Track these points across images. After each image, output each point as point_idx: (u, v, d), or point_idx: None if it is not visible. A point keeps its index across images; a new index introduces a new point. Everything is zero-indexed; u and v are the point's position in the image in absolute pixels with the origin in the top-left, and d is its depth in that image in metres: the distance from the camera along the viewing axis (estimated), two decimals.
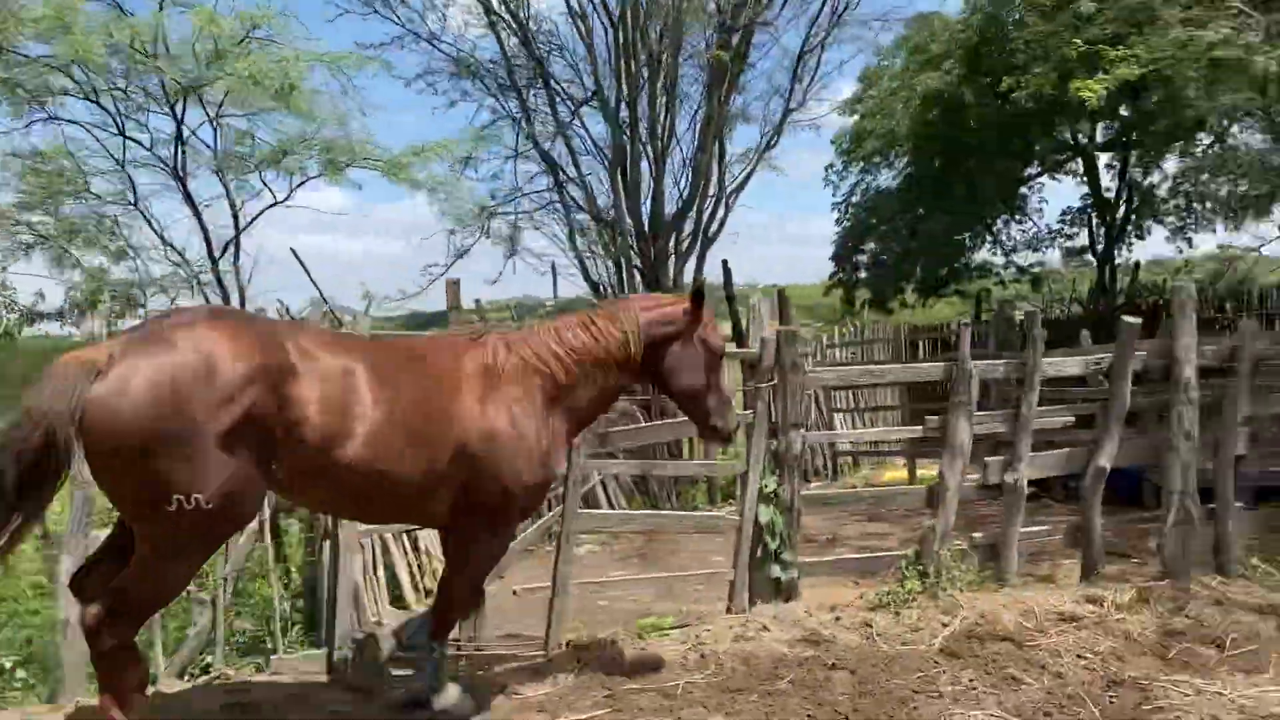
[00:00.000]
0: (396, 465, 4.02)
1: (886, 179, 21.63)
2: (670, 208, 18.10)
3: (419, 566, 7.14)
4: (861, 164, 21.57)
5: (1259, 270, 18.71)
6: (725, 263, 12.21)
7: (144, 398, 3.45)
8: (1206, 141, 17.95)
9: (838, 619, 5.73)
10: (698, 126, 18.27)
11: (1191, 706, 4.49)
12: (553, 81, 18.67)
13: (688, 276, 17.26)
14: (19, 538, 3.58)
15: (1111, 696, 4.69)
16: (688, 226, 17.67)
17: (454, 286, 10.59)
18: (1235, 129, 16.48)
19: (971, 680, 4.90)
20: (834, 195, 23.28)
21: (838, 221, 22.98)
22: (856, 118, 20.95)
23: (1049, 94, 11.84)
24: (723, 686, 4.90)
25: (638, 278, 16.58)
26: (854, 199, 22.69)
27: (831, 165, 23.12)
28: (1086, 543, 6.24)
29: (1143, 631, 5.46)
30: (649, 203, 17.30)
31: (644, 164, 17.79)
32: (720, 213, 18.58)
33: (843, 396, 14.02)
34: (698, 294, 4.75)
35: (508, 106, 19.28)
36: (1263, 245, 18.71)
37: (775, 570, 5.86)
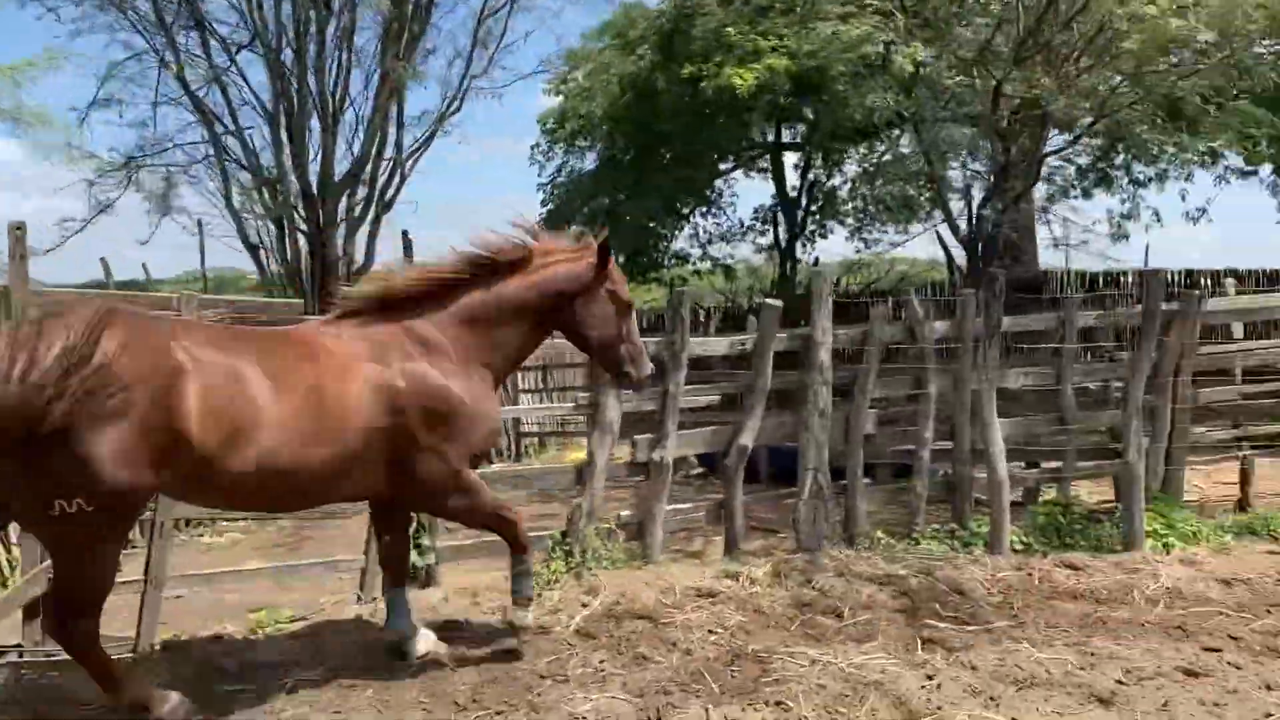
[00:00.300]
0: (298, 461, 3.95)
1: (590, 162, 21.81)
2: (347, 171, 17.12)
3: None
4: (565, 145, 21.61)
5: (914, 268, 20.50)
6: (406, 234, 11.72)
7: (20, 400, 3.32)
8: (882, 148, 19.44)
9: (476, 604, 5.49)
10: (375, 84, 17.41)
11: (804, 676, 4.58)
12: (207, 21, 17.08)
13: (360, 244, 16.47)
14: None
15: (733, 670, 4.72)
16: (362, 192, 16.82)
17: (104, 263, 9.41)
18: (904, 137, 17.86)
19: (602, 662, 4.79)
20: (540, 176, 23.27)
21: (543, 203, 22.97)
22: (561, 98, 20.95)
23: (730, 85, 12.23)
24: (338, 682, 4.51)
25: (302, 242, 15.60)
26: (559, 180, 22.75)
27: (537, 145, 23.08)
28: (729, 519, 6.36)
29: (774, 605, 5.60)
30: (318, 163, 16.31)
31: (315, 121, 16.74)
32: (397, 179, 17.87)
33: (531, 377, 13.90)
34: (604, 247, 4.73)
35: (154, 43, 17.36)
36: (900, 244, 20.52)
37: (411, 556, 5.50)
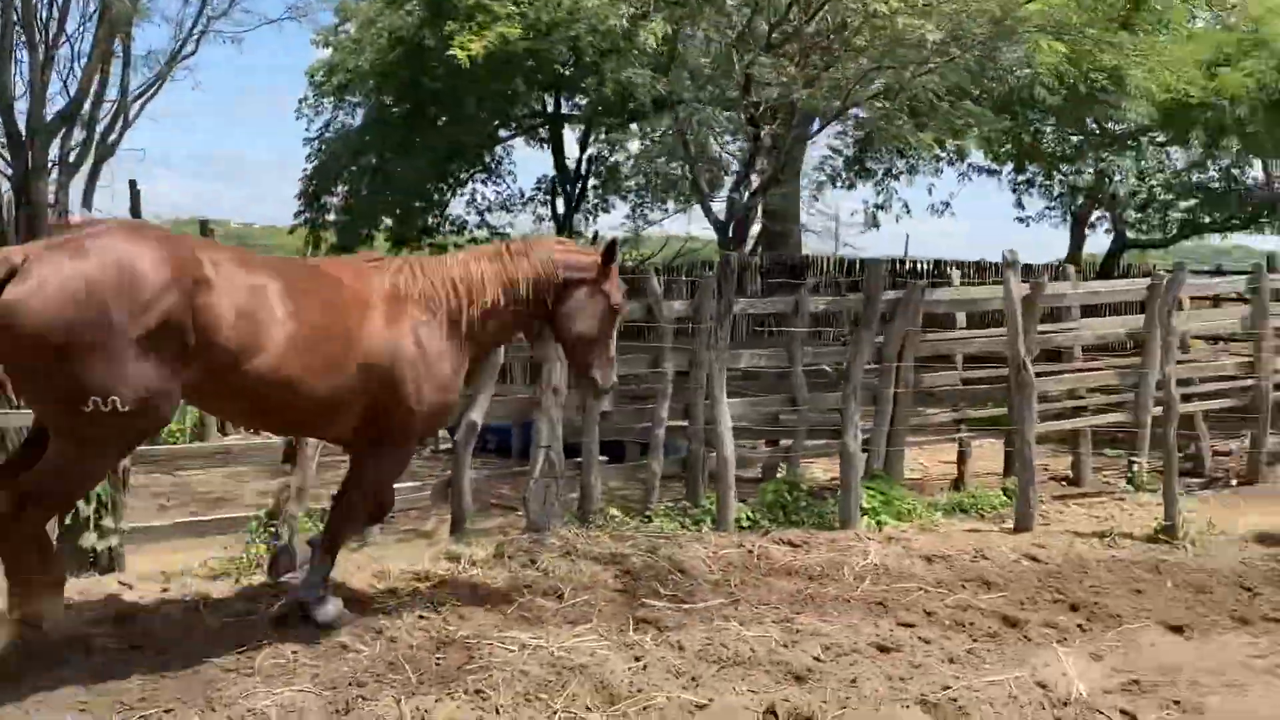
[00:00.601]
0: (304, 381, 4.14)
1: (360, 118, 20.83)
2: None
3: None
4: (334, 100, 20.55)
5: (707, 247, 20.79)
6: (133, 183, 10.77)
7: (64, 299, 3.54)
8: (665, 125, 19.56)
9: (165, 590, 5.04)
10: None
11: (510, 662, 4.45)
12: None
13: (76, 192, 15.01)
14: None
15: (439, 658, 4.53)
16: (81, 135, 15.36)
17: None
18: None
19: (295, 653, 4.46)
20: (308, 130, 22.05)
21: (309, 158, 21.80)
22: (331, 50, 19.87)
23: (503, 50, 11.90)
24: None
25: (5, 187, 14.08)
26: (327, 135, 21.62)
27: (305, 98, 21.84)
28: (456, 498, 6.16)
29: (493, 587, 5.44)
30: (26, 101, 14.70)
31: (23, 54, 15.04)
32: (120, 123, 16.41)
33: None
34: (610, 247, 4.88)
35: None
36: (660, 222, 20.87)
37: (91, 539, 5.00)
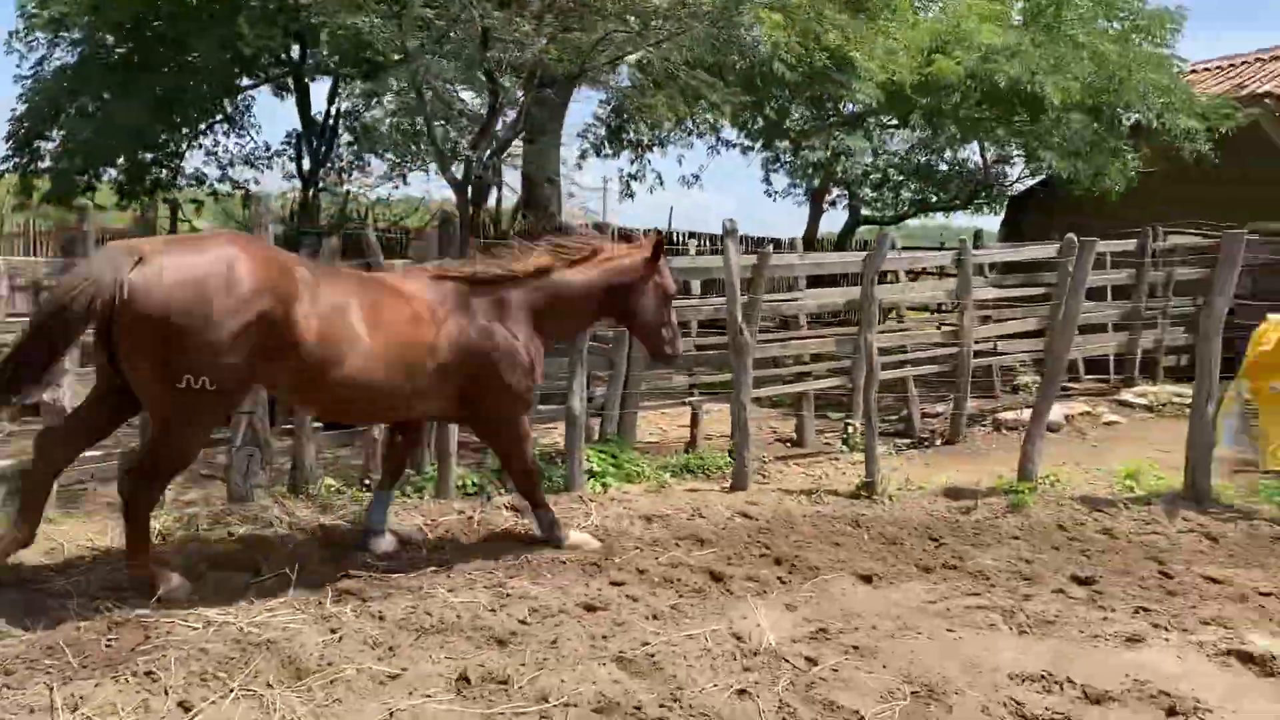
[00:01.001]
0: (380, 382, 4.84)
1: (76, 55, 18.93)
2: None
3: None
4: (49, 34, 18.56)
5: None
6: None
7: (177, 288, 4.21)
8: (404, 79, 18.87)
9: None
10: None
11: (190, 641, 4.16)
12: None
13: None
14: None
15: (109, 640, 4.16)
16: None
17: None
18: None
19: None
20: (20, 67, 19.82)
21: (21, 98, 19.62)
22: None
23: None
24: None
25: None
26: (42, 74, 19.53)
27: (17, 32, 19.61)
28: None
29: (184, 562, 5.07)
30: None
31: None
32: None
33: None
34: (657, 244, 5.68)
35: None
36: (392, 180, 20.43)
37: None
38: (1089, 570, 5.79)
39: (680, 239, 20.52)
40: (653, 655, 4.25)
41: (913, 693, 3.99)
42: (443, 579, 5.18)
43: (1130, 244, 12.59)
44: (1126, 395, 12.04)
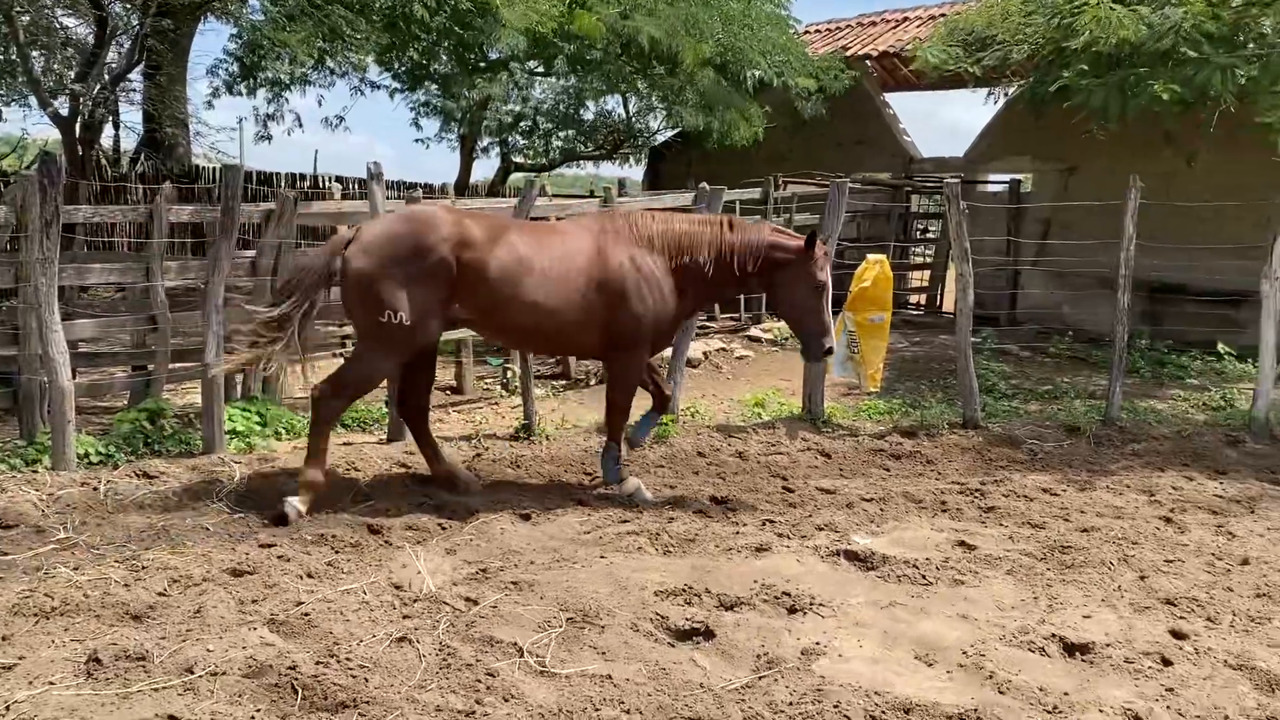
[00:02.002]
0: (552, 310, 5.74)
1: None
2: None
3: None
4: None
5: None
6: None
7: (372, 248, 5.49)
8: None
9: None
10: None
11: None
12: None
13: None
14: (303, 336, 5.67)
15: None
16: None
17: None
18: None
19: None
20: None
21: None
22: None
23: None
24: None
25: None
26: None
27: None
28: None
29: None
30: None
31: None
32: None
33: None
34: (811, 237, 6.01)
35: None
36: None
37: None
38: (724, 490, 6.32)
39: (324, 182, 19.58)
40: (307, 614, 4.13)
41: (568, 619, 4.18)
42: (66, 557, 4.72)
43: (756, 192, 13.64)
44: (755, 331, 13.16)
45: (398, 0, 11.34)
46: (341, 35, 10.98)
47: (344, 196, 11.27)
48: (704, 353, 11.42)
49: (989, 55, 11.81)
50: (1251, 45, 9.67)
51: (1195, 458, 7.42)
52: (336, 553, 4.98)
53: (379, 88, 17.74)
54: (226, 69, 15.73)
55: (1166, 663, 3.99)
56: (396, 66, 16.19)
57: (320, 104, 48.56)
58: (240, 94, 16.01)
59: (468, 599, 4.41)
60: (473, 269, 5.56)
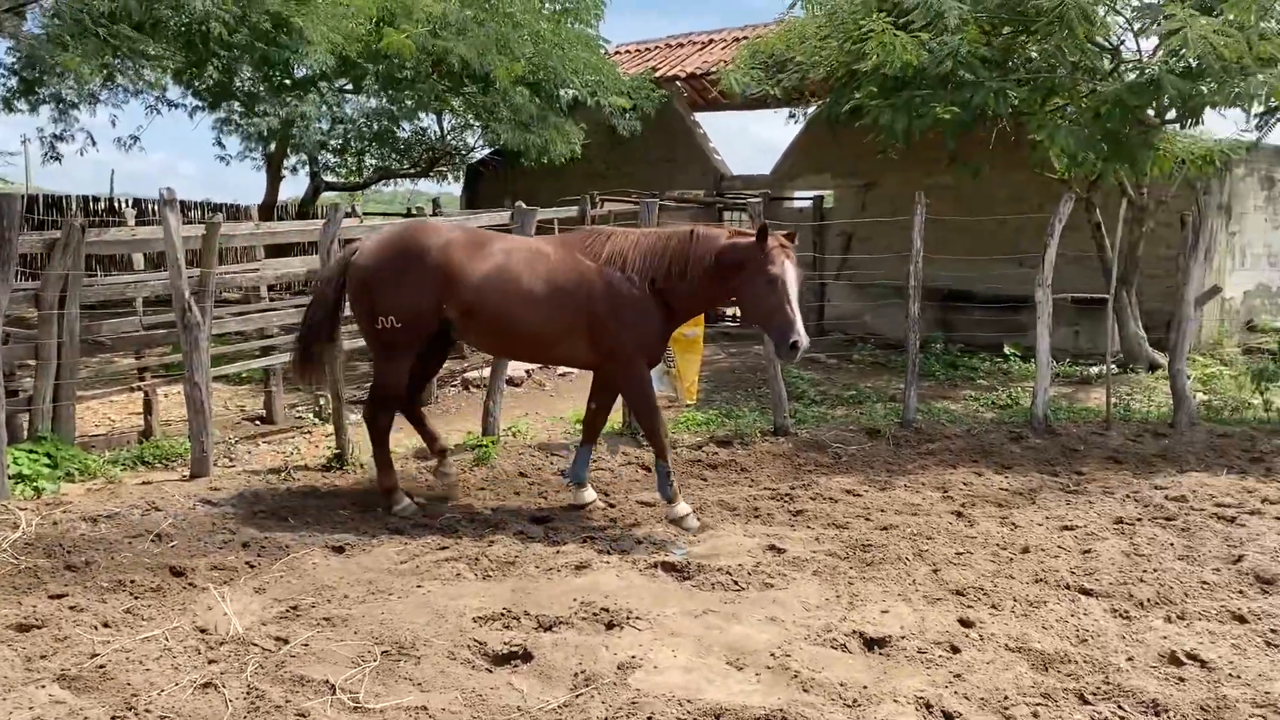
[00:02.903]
0: (526, 318, 6.07)
1: None
2: None
3: None
4: None
5: None
6: None
7: (368, 260, 6.19)
8: None
9: None
10: None
11: None
12: None
13: None
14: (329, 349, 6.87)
15: None
16: None
17: None
18: None
19: None
20: None
21: None
22: None
23: None
24: None
25: None
26: None
27: None
28: None
29: None
30: None
31: None
32: None
33: None
34: (763, 230, 5.80)
35: None
36: None
37: None
38: (545, 510, 6.37)
39: (121, 204, 18.56)
40: (103, 666, 3.93)
41: (383, 652, 4.12)
42: None
43: (573, 210, 13.79)
44: None
45: (194, 18, 10.89)
46: (133, 53, 10.44)
47: (140, 220, 10.68)
48: (527, 370, 11.44)
49: (788, 77, 12.35)
50: (1022, 70, 10.49)
51: (984, 454, 7.97)
52: (136, 599, 4.75)
53: (177, 106, 16.93)
54: (4, 84, 14.68)
55: (955, 650, 4.28)
56: (197, 84, 15.52)
57: (114, 124, 45.72)
58: (21, 111, 14.99)
59: (278, 638, 4.28)
60: (459, 275, 6.02)
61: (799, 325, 5.72)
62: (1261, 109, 9.87)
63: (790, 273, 5.75)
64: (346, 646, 4.18)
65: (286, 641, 4.25)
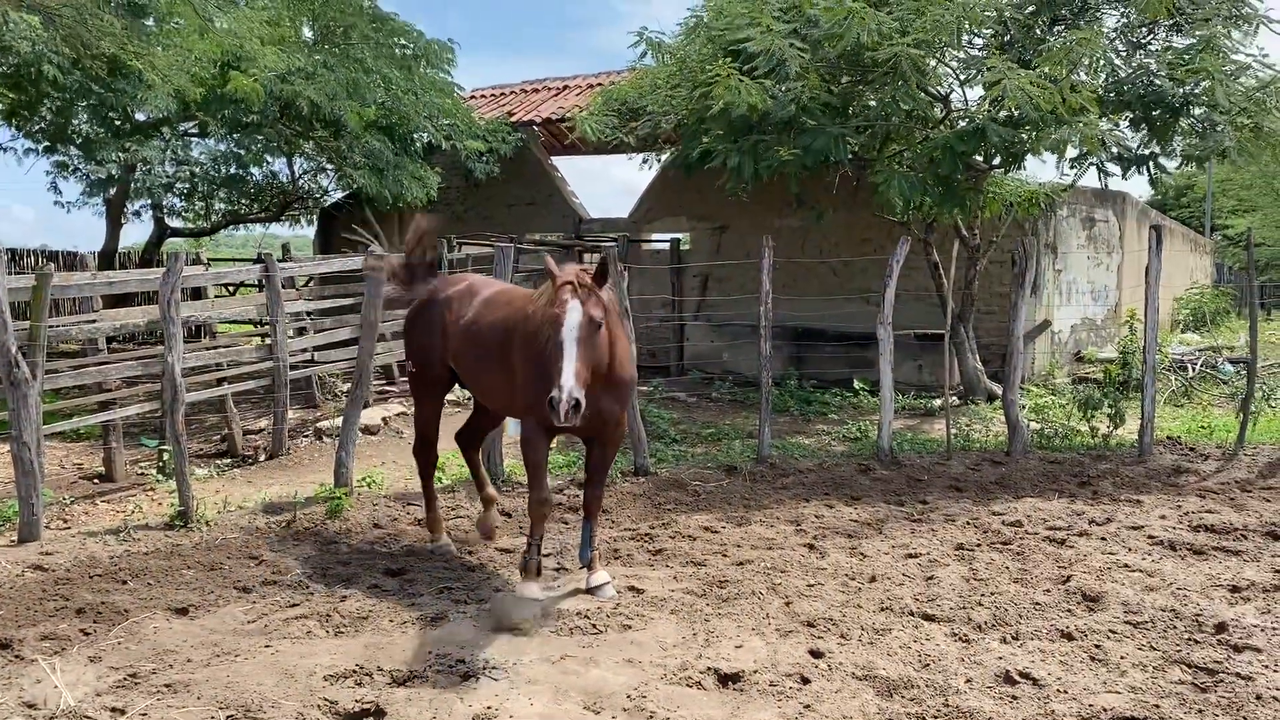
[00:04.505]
0: (486, 367, 6.08)
1: None
2: None
3: None
4: None
5: None
6: None
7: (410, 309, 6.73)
8: None
9: None
10: None
11: None
12: None
13: None
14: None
15: None
16: None
17: None
18: None
19: None
20: None
21: None
22: None
23: None
24: None
25: None
26: None
27: None
28: None
29: None
30: None
31: None
32: None
33: None
34: (602, 265, 5.33)
35: None
36: None
37: None
38: (400, 562, 6.26)
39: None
40: None
41: (228, 717, 3.98)
42: None
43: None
44: None
45: (22, 59, 10.41)
46: None
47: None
48: (384, 418, 11.23)
49: (641, 125, 12.62)
50: (861, 117, 11.01)
51: (835, 486, 8.24)
52: None
53: (5, 149, 16.09)
54: None
55: (805, 681, 4.41)
56: (30, 126, 14.82)
57: None
58: None
59: (114, 709, 4.09)
60: (452, 324, 6.26)
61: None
62: (1075, 154, 10.62)
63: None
64: (189, 714, 4.02)
65: (123, 712, 4.06)
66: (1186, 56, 10.14)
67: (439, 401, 6.82)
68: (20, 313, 7.81)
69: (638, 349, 8.80)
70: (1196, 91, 10.07)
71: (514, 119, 17.69)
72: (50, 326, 7.69)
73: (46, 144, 15.42)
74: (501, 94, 20.28)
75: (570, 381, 4.81)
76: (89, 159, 13.95)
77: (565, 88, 19.43)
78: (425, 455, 6.74)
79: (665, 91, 12.30)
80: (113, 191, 14.94)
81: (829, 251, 14.22)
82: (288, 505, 7.38)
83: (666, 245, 16.87)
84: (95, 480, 8.92)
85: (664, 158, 14.46)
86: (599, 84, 17.52)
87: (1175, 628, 5.04)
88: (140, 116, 13.46)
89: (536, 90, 19.79)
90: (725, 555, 6.42)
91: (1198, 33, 10.35)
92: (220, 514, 7.23)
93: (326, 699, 4.17)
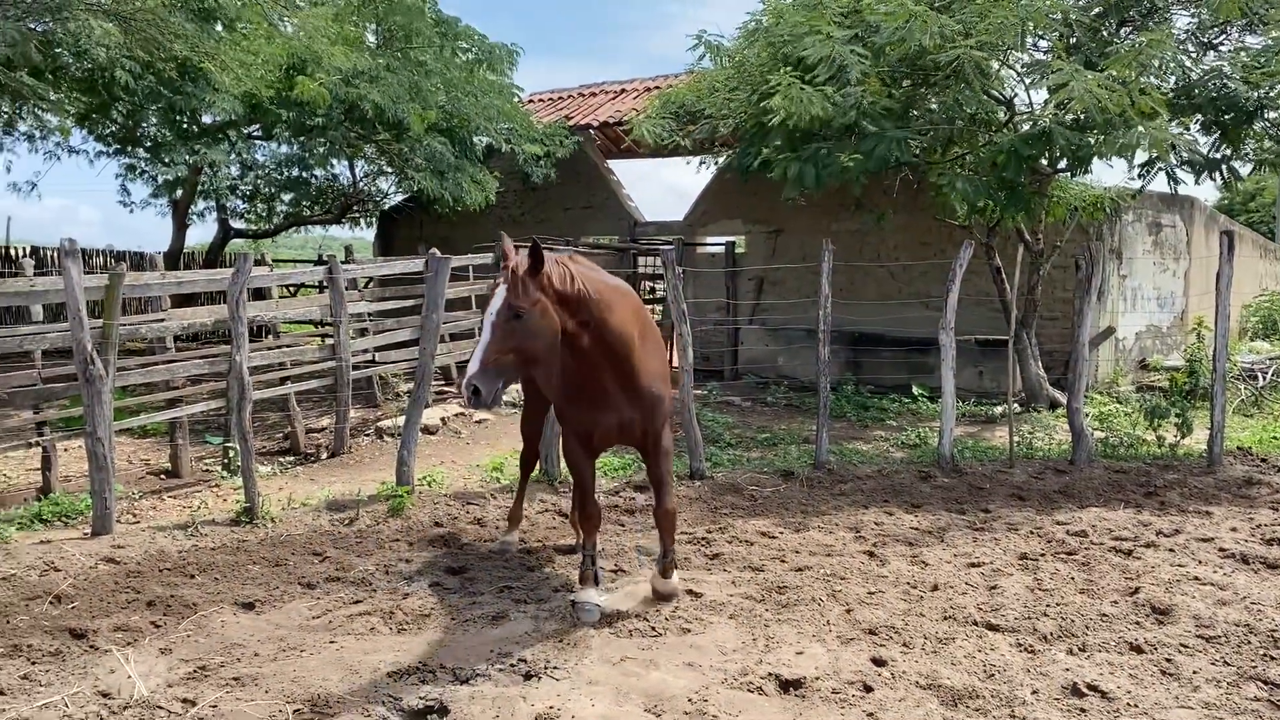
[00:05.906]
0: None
1: None
2: None
3: None
4: None
5: None
6: None
7: None
8: None
9: None
10: None
11: None
12: None
13: None
14: None
15: None
16: None
17: None
18: None
19: None
20: None
21: None
22: None
23: None
24: None
25: None
26: None
27: None
28: None
29: None
30: None
31: None
32: None
33: None
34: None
35: None
36: None
37: None
38: (461, 561, 6.31)
39: (19, 253, 18.02)
40: None
41: (295, 711, 4.04)
42: None
43: (489, 257, 13.80)
44: None
45: (97, 64, 10.68)
46: (32, 98, 10.19)
47: (39, 270, 10.36)
48: (442, 419, 11.34)
49: (699, 128, 12.61)
50: (923, 120, 10.90)
51: (895, 493, 8.15)
52: (33, 664, 4.58)
53: (77, 152, 16.53)
54: None
55: (868, 689, 4.37)
56: (101, 129, 15.21)
57: (9, 169, 43.99)
58: None
59: (185, 700, 4.18)
60: None
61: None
62: (1144, 158, 10.40)
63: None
64: (257, 706, 4.09)
65: (194, 703, 4.14)
66: (1262, 59, 9.89)
67: (539, 406, 6.72)
68: (91, 311, 8.01)
69: (692, 353, 8.77)
70: (1272, 94, 9.81)
71: (571, 122, 17.78)
72: (120, 325, 7.87)
73: (117, 147, 15.82)
74: (559, 98, 20.39)
75: (473, 367, 4.55)
76: (157, 161, 14.29)
77: (622, 91, 19.49)
78: (524, 456, 6.92)
79: (724, 94, 12.28)
80: (179, 193, 15.26)
81: (887, 255, 14.09)
82: (350, 503, 7.49)
83: (722, 248, 16.83)
84: (162, 476, 9.12)
85: (720, 160, 14.43)
86: (655, 87, 17.54)
87: (1250, 643, 4.90)
88: (207, 120, 13.74)
89: (594, 94, 19.87)
90: (783, 561, 6.38)
91: (1273, 34, 10.09)
92: (284, 510, 7.35)
93: (391, 695, 4.21)
